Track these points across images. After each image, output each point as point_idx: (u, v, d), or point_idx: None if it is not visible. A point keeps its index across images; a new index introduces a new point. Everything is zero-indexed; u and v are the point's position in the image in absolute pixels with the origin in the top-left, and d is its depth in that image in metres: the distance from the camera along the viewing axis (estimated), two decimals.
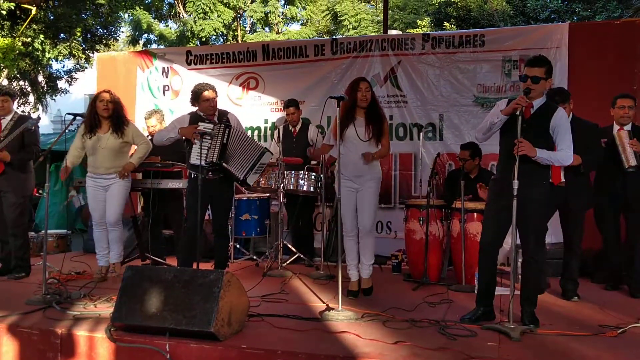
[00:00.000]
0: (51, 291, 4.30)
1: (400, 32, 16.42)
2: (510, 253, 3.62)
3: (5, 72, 11.12)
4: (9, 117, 5.28)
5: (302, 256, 6.02)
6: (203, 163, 4.55)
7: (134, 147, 5.40)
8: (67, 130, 4.64)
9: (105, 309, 3.92)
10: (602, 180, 4.86)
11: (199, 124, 4.69)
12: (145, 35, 20.87)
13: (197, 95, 4.91)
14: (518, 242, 3.62)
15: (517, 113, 3.46)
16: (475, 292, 3.96)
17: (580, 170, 4.44)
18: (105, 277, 5.20)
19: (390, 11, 18.05)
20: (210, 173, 4.72)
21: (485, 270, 3.80)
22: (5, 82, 12.18)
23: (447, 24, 15.50)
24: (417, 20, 18.22)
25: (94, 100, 5.09)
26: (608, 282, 5.03)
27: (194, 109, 5.04)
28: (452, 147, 6.37)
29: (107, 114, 5.05)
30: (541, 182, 3.60)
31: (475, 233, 4.83)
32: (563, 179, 4.38)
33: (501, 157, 3.79)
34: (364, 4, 21.06)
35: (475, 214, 4.95)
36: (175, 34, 20.15)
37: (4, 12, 10.34)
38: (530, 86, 3.54)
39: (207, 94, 4.87)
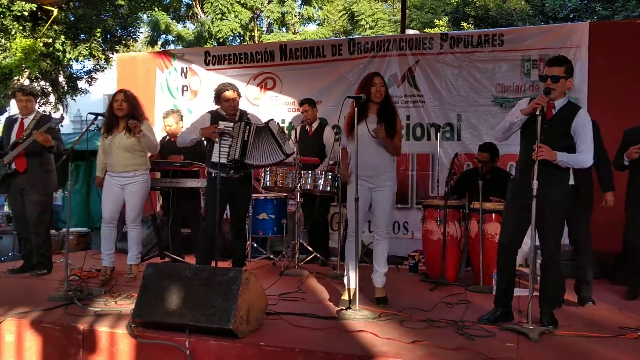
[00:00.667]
0: (72, 288, 4.37)
1: (417, 32, 16.38)
2: (530, 254, 3.60)
3: (27, 72, 11.29)
4: (31, 117, 5.37)
5: (318, 255, 6.04)
6: (225, 161, 4.61)
7: None
8: (88, 130, 4.71)
9: (125, 305, 3.97)
10: (634, 182, 4.77)
11: (220, 122, 4.73)
12: (163, 35, 21.09)
13: (218, 95, 4.97)
14: (537, 243, 3.60)
15: (537, 113, 3.44)
16: (494, 292, 3.95)
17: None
18: (110, 278, 5.09)
19: (407, 10, 18.01)
20: (232, 171, 4.76)
21: (504, 270, 3.78)
22: (26, 83, 12.39)
23: (464, 24, 15.43)
24: (435, 20, 18.15)
25: (111, 100, 5.15)
26: (629, 290, 4.88)
27: (214, 107, 5.09)
28: (470, 147, 6.34)
29: (122, 113, 5.06)
30: (561, 183, 3.57)
31: (493, 234, 4.81)
32: (573, 182, 4.31)
33: (521, 157, 3.77)
34: (380, 3, 21.03)
35: (493, 214, 4.92)
36: (193, 35, 20.32)
37: (25, 14, 10.51)
38: (550, 85, 3.52)
39: (229, 94, 4.92)
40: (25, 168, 5.26)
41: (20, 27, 10.70)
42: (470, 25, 15.16)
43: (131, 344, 3.39)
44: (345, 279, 4.29)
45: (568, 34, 6.11)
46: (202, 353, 3.25)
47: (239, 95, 5.03)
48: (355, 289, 3.95)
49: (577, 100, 5.89)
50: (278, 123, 5.01)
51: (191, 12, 21.50)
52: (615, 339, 3.42)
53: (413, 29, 18.04)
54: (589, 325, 3.73)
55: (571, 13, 14.07)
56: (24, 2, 10.06)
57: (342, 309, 3.92)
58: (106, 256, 5.21)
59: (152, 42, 21.34)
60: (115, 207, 5.19)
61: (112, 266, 5.21)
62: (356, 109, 4.00)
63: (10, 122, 5.43)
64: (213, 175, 4.78)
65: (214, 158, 4.69)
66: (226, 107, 4.96)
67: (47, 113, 5.57)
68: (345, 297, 4.12)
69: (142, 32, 19.02)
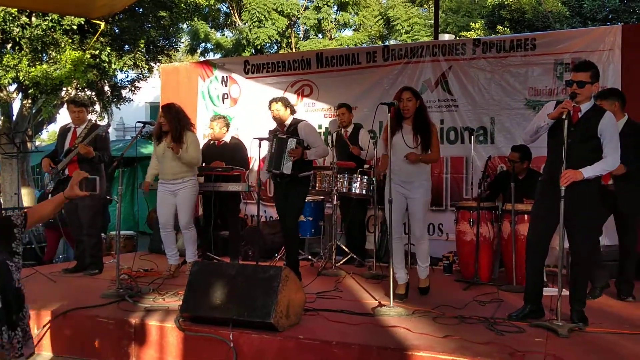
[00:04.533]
0: (124, 286, 4.66)
1: (452, 36, 16.37)
2: (559, 255, 3.70)
3: (75, 83, 11.79)
4: (83, 126, 5.72)
5: (355, 257, 6.22)
6: (267, 170, 5.28)
7: None
8: (136, 137, 5.02)
9: (172, 302, 4.23)
10: None
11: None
12: (203, 44, 21.61)
13: None
14: (566, 242, 3.71)
15: (563, 117, 3.56)
16: None
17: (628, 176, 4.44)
18: (175, 274, 5.51)
19: (443, 14, 18.00)
20: (277, 179, 5.28)
21: (532, 269, 3.90)
22: (73, 93, 12.94)
23: (500, 27, 15.35)
24: (471, 23, 18.10)
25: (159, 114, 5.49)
26: None
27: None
28: (503, 150, 6.41)
29: (166, 129, 5.38)
30: (589, 182, 3.64)
31: (525, 234, 4.87)
32: (611, 181, 4.40)
33: (548, 159, 3.88)
34: (416, 8, 21.06)
35: (526, 215, 5.01)
36: (231, 43, 20.76)
37: (74, 27, 11.01)
38: (576, 90, 3.63)
39: (271, 107, 5.34)
40: None
41: (70, 40, 11.19)
42: (506, 28, 15.08)
43: (179, 336, 3.65)
44: (396, 276, 4.54)
45: (601, 37, 6.13)
46: (245, 345, 3.48)
47: (287, 106, 5.37)
48: (390, 287, 4.13)
49: None
50: (298, 144, 5.21)
51: (229, 20, 21.98)
52: None
53: (449, 32, 18.02)
54: (620, 323, 3.81)
55: (610, 14, 13.87)
56: (72, 17, 10.55)
57: (378, 307, 4.10)
58: (171, 255, 5.61)
59: (191, 50, 21.90)
60: (169, 213, 5.53)
61: (177, 264, 5.62)
62: (389, 115, 4.23)
63: (64, 131, 5.79)
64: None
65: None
66: (273, 119, 5.38)
67: (95, 122, 5.91)
68: (402, 290, 4.57)
69: (182, 42, 19.55)
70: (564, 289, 3.65)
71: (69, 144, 5.65)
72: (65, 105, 5.81)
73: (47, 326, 3.96)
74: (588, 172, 3.59)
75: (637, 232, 4.67)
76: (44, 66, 11.17)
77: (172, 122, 5.35)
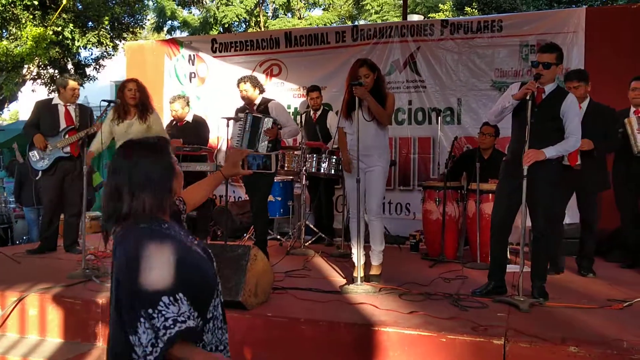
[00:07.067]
0: (90, 267, 4.60)
1: (421, 17, 16.42)
2: (521, 232, 3.80)
3: (37, 60, 11.49)
4: (73, 105, 5.61)
5: (323, 236, 6.27)
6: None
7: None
8: (102, 116, 4.93)
9: None
10: (618, 164, 5.00)
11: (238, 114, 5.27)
12: (169, 22, 21.23)
13: None
14: (528, 220, 3.81)
15: (528, 98, 3.63)
16: None
17: (593, 154, 4.57)
18: None
19: None
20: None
21: (496, 247, 4.00)
22: (35, 70, 12.61)
23: (468, 8, 15.45)
24: (439, 4, 18.20)
25: (122, 88, 5.32)
26: (624, 261, 5.18)
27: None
28: (469, 131, 6.52)
29: (134, 102, 5.28)
30: (550, 162, 3.74)
31: (490, 213, 4.99)
32: (579, 162, 4.54)
33: (512, 139, 3.96)
34: None
35: (490, 195, 5.11)
36: (199, 21, 20.44)
37: (35, 2, 10.70)
38: (541, 72, 3.71)
39: (239, 86, 5.27)
40: (79, 154, 5.50)
41: (31, 16, 10.89)
42: (474, 10, 15.19)
43: None
44: (354, 257, 4.46)
45: (565, 20, 6.25)
46: None
47: (255, 86, 5.28)
48: (359, 265, 4.19)
49: None
50: (274, 123, 5.16)
51: None
52: (602, 310, 3.63)
53: (418, 13, 18.06)
54: (578, 298, 3.94)
55: None
56: None
57: (345, 284, 4.15)
58: None
59: (157, 28, 21.50)
60: None
61: None
62: (357, 97, 4.18)
63: (50, 107, 5.61)
64: None
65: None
66: (241, 99, 5.31)
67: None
68: (356, 273, 4.28)
69: (148, 19, 19.15)
70: (525, 266, 3.77)
71: (65, 122, 5.54)
72: (52, 84, 5.64)
73: (13, 307, 3.91)
74: (550, 152, 3.68)
75: (598, 210, 4.83)
76: (4, 43, 10.84)
77: (142, 94, 5.31)
